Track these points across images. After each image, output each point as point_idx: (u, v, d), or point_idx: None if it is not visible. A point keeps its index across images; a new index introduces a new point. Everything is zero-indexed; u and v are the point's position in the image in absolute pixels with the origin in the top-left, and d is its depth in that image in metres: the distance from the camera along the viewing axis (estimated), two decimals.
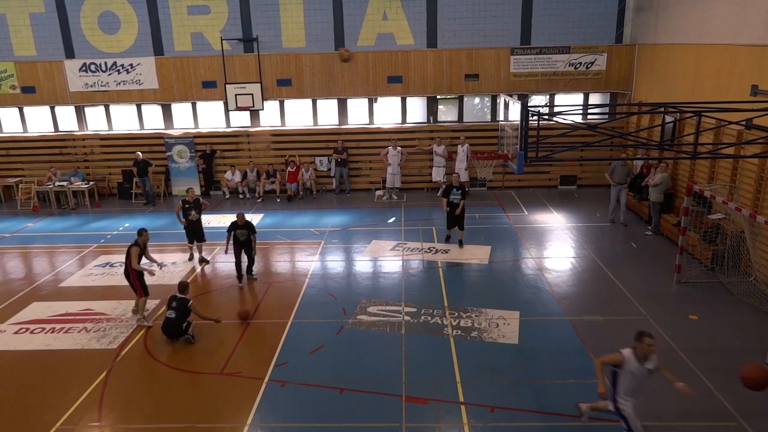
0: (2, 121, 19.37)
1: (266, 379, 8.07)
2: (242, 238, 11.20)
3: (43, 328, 9.88)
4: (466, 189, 12.57)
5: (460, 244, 12.98)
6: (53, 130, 19.31)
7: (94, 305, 10.69)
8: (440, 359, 8.47)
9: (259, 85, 17.85)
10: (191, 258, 12.92)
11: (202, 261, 12.75)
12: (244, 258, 11.50)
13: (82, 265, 12.85)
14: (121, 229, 15.58)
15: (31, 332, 9.77)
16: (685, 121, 13.35)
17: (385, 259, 12.72)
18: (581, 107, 18.17)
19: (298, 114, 18.94)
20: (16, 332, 9.79)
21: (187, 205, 12.36)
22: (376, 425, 7.03)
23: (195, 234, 12.57)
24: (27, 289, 11.62)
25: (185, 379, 8.24)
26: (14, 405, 7.71)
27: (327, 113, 18.87)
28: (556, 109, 16.70)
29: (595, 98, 18.60)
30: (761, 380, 5.59)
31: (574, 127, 10.99)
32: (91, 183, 18.21)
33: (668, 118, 14.26)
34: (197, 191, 18.74)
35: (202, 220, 12.76)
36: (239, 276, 11.45)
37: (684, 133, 13.63)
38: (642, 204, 14.74)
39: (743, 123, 9.86)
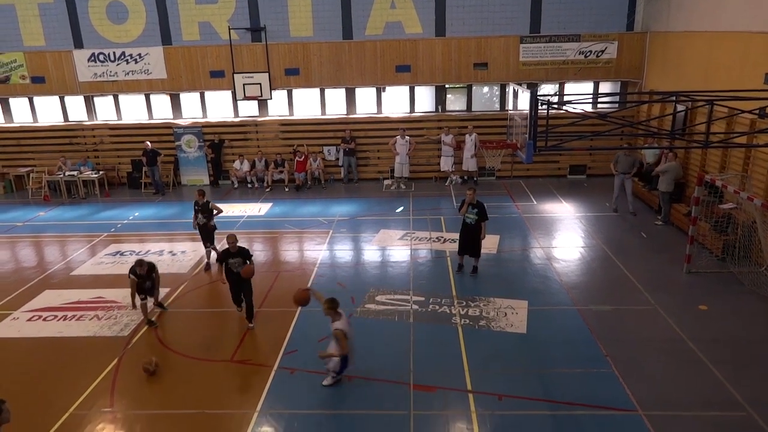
0: (13, 112, 19.52)
1: (275, 367, 8.15)
2: (236, 269, 9.08)
3: (56, 316, 10.02)
4: (485, 206, 10.88)
5: (474, 270, 11.18)
6: (63, 120, 19.44)
7: (105, 293, 10.81)
8: (448, 348, 8.50)
9: (267, 74, 17.84)
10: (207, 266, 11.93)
11: (207, 268, 11.85)
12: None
13: (93, 254, 12.98)
14: (131, 218, 15.70)
15: (44, 320, 9.91)
16: (697, 110, 13.23)
17: (393, 248, 12.75)
18: (591, 96, 18.03)
19: (306, 103, 18.94)
20: (29, 319, 9.93)
21: (196, 207, 11.58)
22: (385, 413, 7.09)
23: (204, 237, 11.76)
24: (39, 277, 11.76)
25: (195, 366, 8.33)
26: (28, 390, 7.83)
27: (335, 103, 18.86)
28: (565, 98, 16.60)
29: (605, 87, 18.43)
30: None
31: (584, 116, 10.93)
32: (100, 173, 18.35)
33: (680, 107, 14.13)
34: (206, 181, 18.89)
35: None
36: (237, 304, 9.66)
37: (695, 122, 13.51)
38: (652, 194, 14.66)
39: (756, 112, 9.76)
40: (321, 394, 7.51)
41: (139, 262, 9.20)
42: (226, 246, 9.16)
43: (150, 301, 9.58)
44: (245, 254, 9.13)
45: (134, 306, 9.30)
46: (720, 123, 11.84)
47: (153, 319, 9.63)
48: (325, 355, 7.52)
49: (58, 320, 9.86)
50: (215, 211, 11.70)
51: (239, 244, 9.25)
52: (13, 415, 5.26)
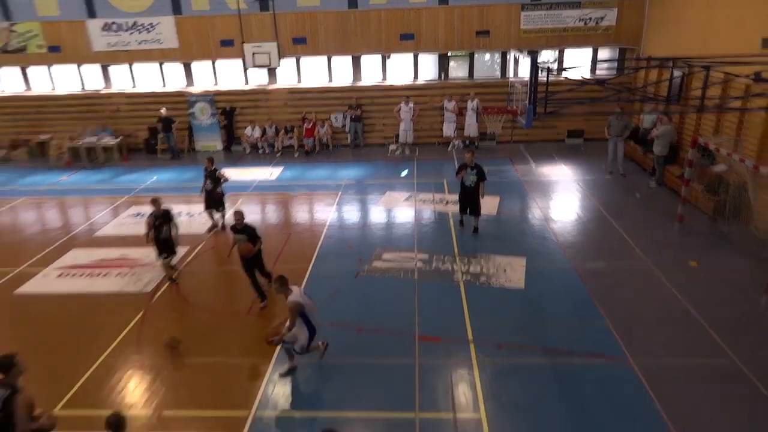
0: (32, 80, 19.42)
1: None
2: (242, 243, 8.69)
3: (83, 273, 10.22)
4: (483, 167, 10.90)
5: (475, 230, 11.24)
6: (80, 89, 19.34)
7: (128, 252, 10.99)
8: (451, 302, 8.66)
9: (275, 43, 17.58)
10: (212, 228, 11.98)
11: (213, 228, 11.94)
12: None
13: (115, 215, 13.13)
14: (149, 182, 15.78)
15: (73, 276, 10.11)
16: (694, 75, 13.04)
17: (398, 209, 12.82)
18: (590, 63, 17.76)
19: (313, 72, 18.74)
20: (58, 276, 10.15)
21: (205, 173, 11.49)
22: (392, 360, 7.29)
23: (209, 203, 11.70)
24: (66, 237, 11.93)
25: (214, 319, 8.52)
26: (62, 340, 8.07)
27: (341, 71, 18.65)
28: (565, 65, 16.37)
29: (604, 53, 18.14)
30: None
31: (583, 82, 10.81)
32: (119, 139, 18.36)
33: (677, 73, 13.93)
34: (219, 147, 18.89)
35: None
36: (261, 296, 8.92)
37: (692, 87, 13.34)
38: (647, 156, 14.60)
39: (751, 77, 9.63)
40: (332, 344, 7.69)
41: (153, 199, 9.43)
42: (233, 222, 8.73)
43: (170, 259, 9.75)
44: (250, 232, 8.61)
45: (148, 241, 9.34)
46: (715, 88, 11.69)
47: (174, 276, 9.80)
48: (273, 336, 7.01)
49: (86, 277, 10.06)
50: (222, 179, 11.60)
51: (256, 221, 9.15)
52: (50, 363, 5.48)
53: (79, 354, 7.67)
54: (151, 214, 9.34)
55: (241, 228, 8.63)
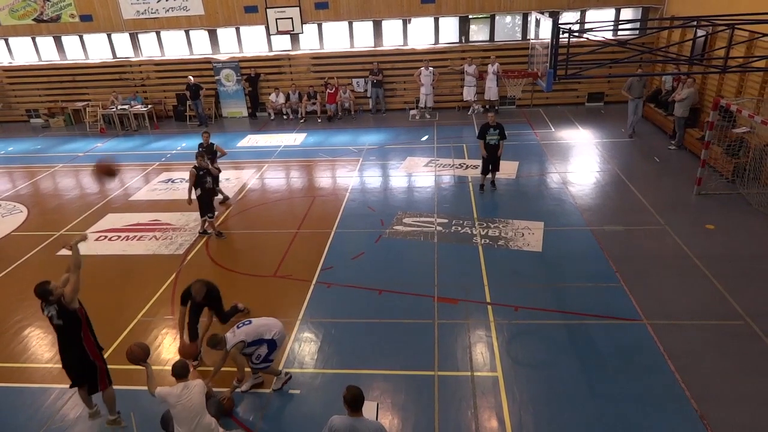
0: (66, 49, 19.40)
1: (314, 281, 8.39)
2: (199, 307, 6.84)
3: (119, 236, 10.39)
4: (503, 127, 10.97)
5: (493, 184, 11.46)
6: (112, 57, 19.28)
7: (160, 216, 11.12)
8: (469, 265, 8.58)
9: (297, 8, 17.18)
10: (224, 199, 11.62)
11: (225, 200, 11.64)
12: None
13: (148, 181, 13.24)
14: (179, 148, 15.84)
15: (109, 239, 10.30)
16: (717, 34, 12.34)
17: (419, 174, 12.66)
18: (612, 23, 16.95)
19: (335, 37, 18.31)
20: (96, 239, 10.33)
21: (200, 149, 10.60)
22: (412, 321, 7.30)
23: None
24: (102, 202, 12.11)
25: (243, 281, 8.62)
26: (102, 300, 8.20)
27: (363, 36, 18.18)
28: (587, 26, 15.65)
29: (626, 13, 17.29)
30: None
31: (604, 43, 10.32)
32: (149, 106, 18.37)
33: (700, 32, 13.21)
34: (244, 113, 18.79)
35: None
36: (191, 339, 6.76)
37: (715, 47, 12.65)
38: (667, 119, 14.05)
39: None
40: (355, 304, 7.74)
41: (198, 154, 9.83)
42: (194, 293, 6.66)
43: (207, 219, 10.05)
44: (215, 304, 6.89)
45: (190, 202, 9.76)
46: (739, 48, 11.07)
47: (206, 230, 10.11)
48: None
49: (122, 240, 10.24)
50: (219, 153, 11.22)
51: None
52: (91, 320, 5.64)
53: (117, 312, 7.86)
54: (194, 167, 9.64)
55: (202, 301, 6.73)
